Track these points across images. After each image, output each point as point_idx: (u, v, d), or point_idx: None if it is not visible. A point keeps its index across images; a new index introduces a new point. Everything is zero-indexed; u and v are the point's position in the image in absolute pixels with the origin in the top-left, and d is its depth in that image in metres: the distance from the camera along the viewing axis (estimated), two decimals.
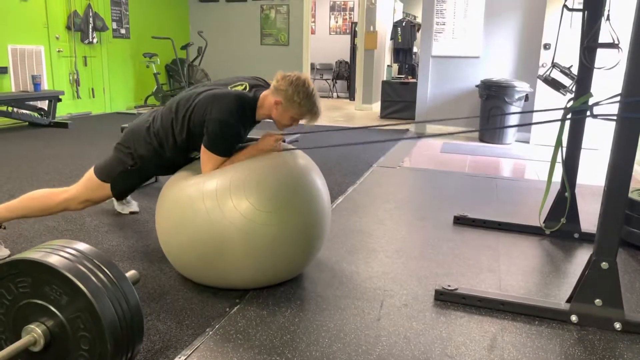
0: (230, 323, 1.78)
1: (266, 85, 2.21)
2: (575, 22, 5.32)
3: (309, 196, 1.99)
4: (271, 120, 2.17)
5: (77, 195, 2.24)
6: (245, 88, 2.14)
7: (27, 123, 6.04)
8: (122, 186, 2.27)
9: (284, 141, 2.16)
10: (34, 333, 1.29)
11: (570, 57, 3.01)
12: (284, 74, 2.06)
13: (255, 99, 2.10)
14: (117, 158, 2.23)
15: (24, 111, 5.93)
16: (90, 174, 2.26)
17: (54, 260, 1.29)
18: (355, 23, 10.04)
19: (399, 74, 9.32)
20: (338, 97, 11.44)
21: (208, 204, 1.87)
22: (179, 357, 1.58)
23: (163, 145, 2.16)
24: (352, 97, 10.51)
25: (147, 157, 2.19)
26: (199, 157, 2.11)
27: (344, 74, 11.26)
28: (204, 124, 2.03)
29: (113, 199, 2.95)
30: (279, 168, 1.98)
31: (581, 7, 2.50)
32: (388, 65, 9.35)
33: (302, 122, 2.16)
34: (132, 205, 2.97)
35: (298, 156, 2.10)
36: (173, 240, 1.97)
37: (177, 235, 1.94)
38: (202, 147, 2.03)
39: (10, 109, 5.74)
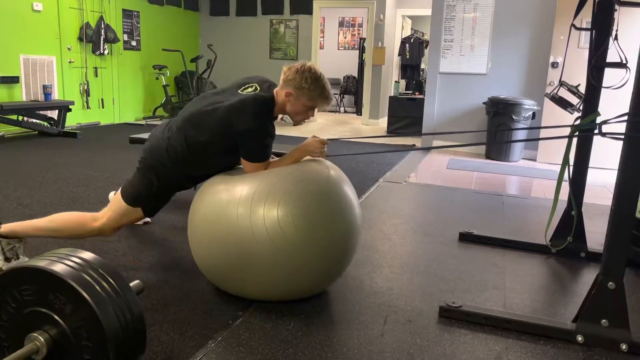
0: (233, 335, 1.78)
1: (274, 84, 2.22)
2: (583, 41, 5.34)
3: (342, 211, 1.96)
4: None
5: (111, 223, 2.20)
6: (255, 89, 2.14)
7: (36, 132, 6.10)
8: (154, 206, 2.26)
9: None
10: (37, 341, 1.29)
11: (578, 76, 3.01)
12: (289, 66, 2.09)
13: (271, 95, 2.11)
14: (143, 182, 2.19)
15: (34, 120, 5.99)
16: (119, 200, 2.21)
17: (59, 268, 1.30)
18: (364, 39, 10.11)
19: (406, 90, 9.34)
20: (345, 111, 11.47)
21: (239, 211, 1.86)
22: None
23: (185, 161, 2.14)
24: (359, 112, 10.54)
25: (172, 176, 2.18)
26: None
27: (351, 89, 11.30)
28: (229, 136, 2.03)
29: None
30: (311, 179, 1.96)
31: (589, 26, 2.50)
32: (395, 81, 9.38)
33: (316, 110, 2.17)
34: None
35: (330, 168, 2.08)
36: (202, 244, 1.98)
37: (206, 239, 1.95)
38: (243, 161, 2.05)
39: (20, 117, 5.80)
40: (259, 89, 2.14)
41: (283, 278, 1.89)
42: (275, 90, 2.13)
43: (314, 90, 2.07)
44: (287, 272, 1.88)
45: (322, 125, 8.72)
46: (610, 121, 1.93)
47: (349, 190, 2.05)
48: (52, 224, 2.22)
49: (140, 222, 2.92)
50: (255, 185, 1.91)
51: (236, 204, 1.88)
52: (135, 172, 2.24)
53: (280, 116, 2.28)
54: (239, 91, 2.14)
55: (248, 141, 2.02)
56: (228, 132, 2.03)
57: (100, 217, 2.22)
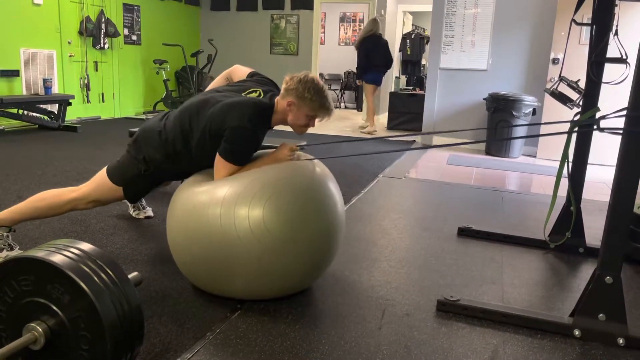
0: (231, 328, 1.78)
1: (278, 91, 2.22)
2: (584, 37, 5.33)
3: (324, 208, 1.94)
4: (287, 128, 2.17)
5: (87, 195, 2.24)
6: (259, 95, 2.15)
7: (37, 126, 6.10)
8: (135, 190, 2.27)
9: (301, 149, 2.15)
10: (35, 331, 1.29)
11: (579, 72, 3.01)
12: (291, 75, 2.09)
13: (272, 105, 2.12)
14: (130, 162, 2.23)
15: (34, 114, 5.99)
16: (102, 175, 2.25)
17: (57, 259, 1.30)
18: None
19: (407, 85, 9.34)
20: (346, 107, 11.47)
21: (220, 211, 1.82)
22: None
23: (176, 152, 2.16)
24: (359, 107, 10.53)
25: (160, 163, 2.19)
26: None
27: (352, 85, 11.30)
28: (220, 133, 2.03)
29: (128, 204, 2.98)
30: (295, 176, 1.95)
31: (590, 21, 2.50)
32: (396, 77, 9.37)
33: (317, 120, 2.16)
34: (148, 210, 2.98)
35: (315, 164, 2.07)
36: (182, 245, 1.95)
37: (186, 241, 1.92)
38: (217, 155, 2.01)
39: (20, 111, 5.80)
40: (262, 95, 2.15)
41: (266, 277, 1.87)
42: (276, 99, 2.13)
43: (315, 102, 2.07)
44: (269, 271, 1.85)
45: (323, 122, 8.70)
46: (609, 116, 1.93)
47: (333, 187, 2.05)
48: (32, 202, 2.25)
49: (141, 216, 2.93)
50: (237, 184, 1.88)
51: (218, 205, 1.84)
52: (125, 154, 2.27)
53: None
54: (242, 94, 2.15)
55: (232, 138, 2.00)
56: (219, 129, 2.03)
57: (79, 189, 2.26)
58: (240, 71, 2.43)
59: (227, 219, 1.81)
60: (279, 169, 1.96)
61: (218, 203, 1.84)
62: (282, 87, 2.11)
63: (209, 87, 2.38)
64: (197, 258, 1.90)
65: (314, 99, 2.06)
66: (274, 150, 2.10)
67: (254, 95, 2.16)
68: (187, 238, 1.91)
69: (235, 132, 2.00)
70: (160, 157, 2.18)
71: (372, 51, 7.01)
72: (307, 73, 2.09)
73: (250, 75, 2.38)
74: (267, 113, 2.11)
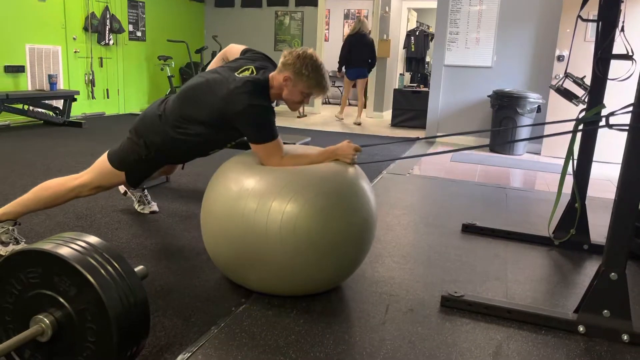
0: (236, 322, 1.79)
1: (273, 66, 2.22)
2: (589, 34, 5.31)
3: (359, 207, 1.92)
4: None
5: (90, 182, 2.25)
6: (252, 72, 2.15)
7: (42, 121, 6.12)
8: (137, 174, 2.28)
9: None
10: (42, 323, 1.30)
11: (584, 69, 3.00)
12: (290, 50, 2.08)
13: (265, 79, 2.11)
14: (131, 147, 2.23)
15: (40, 110, 6.01)
16: (103, 160, 2.26)
17: (64, 251, 1.31)
18: (369, 31, 10.07)
19: (411, 82, 9.32)
20: (349, 104, 11.45)
21: (254, 204, 1.80)
22: (184, 354, 1.58)
23: (176, 136, 2.17)
24: (364, 105, 10.52)
25: (161, 147, 2.20)
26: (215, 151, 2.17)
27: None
28: (223, 120, 2.04)
29: (133, 199, 2.99)
30: (332, 175, 1.92)
31: (596, 18, 2.49)
32: (400, 74, 9.36)
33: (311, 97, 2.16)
34: (153, 205, 2.99)
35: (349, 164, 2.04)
36: (216, 234, 1.93)
37: (220, 230, 1.90)
38: (253, 146, 2.01)
39: (26, 107, 5.81)
40: (255, 72, 2.14)
41: (296, 274, 1.86)
42: (271, 74, 2.13)
43: (312, 79, 2.06)
44: (300, 268, 1.84)
45: (326, 117, 8.71)
46: (616, 113, 1.93)
47: (367, 188, 2.00)
48: (36, 192, 2.26)
49: (146, 211, 2.94)
50: (271, 178, 1.86)
51: (252, 197, 1.82)
52: (125, 139, 2.28)
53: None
54: (235, 74, 2.14)
55: (247, 121, 2.00)
56: (222, 118, 2.04)
57: (81, 176, 2.26)
58: (234, 49, 2.43)
59: (260, 212, 1.80)
60: (322, 168, 1.94)
61: (251, 195, 1.82)
62: (280, 61, 2.10)
63: (208, 68, 2.39)
64: (229, 248, 1.89)
65: (311, 76, 2.06)
66: (337, 145, 2.06)
67: (246, 73, 2.14)
68: (222, 227, 1.89)
69: (246, 114, 2.00)
70: (161, 140, 2.19)
71: (355, 47, 7.53)
72: (305, 49, 2.08)
73: (244, 52, 2.37)
74: (263, 88, 2.09)
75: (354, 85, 7.97)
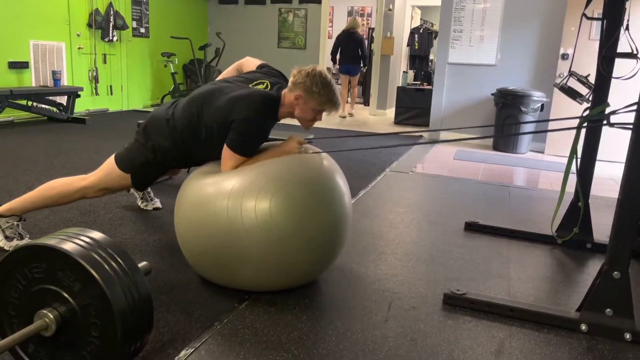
0: (239, 318, 1.79)
1: (286, 84, 2.23)
2: (594, 33, 5.29)
3: (332, 200, 1.94)
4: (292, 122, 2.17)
5: (96, 184, 2.26)
6: (266, 86, 2.16)
7: (45, 117, 6.13)
8: (143, 177, 2.29)
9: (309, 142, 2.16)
10: (46, 318, 1.31)
11: (588, 68, 3.00)
12: (299, 69, 2.09)
13: (279, 97, 2.12)
14: (138, 149, 2.24)
15: (43, 106, 6.02)
16: (111, 163, 2.27)
17: (68, 247, 1.31)
18: (373, 29, 10.06)
19: (414, 80, 9.31)
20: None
21: (227, 203, 1.83)
22: (187, 349, 1.59)
23: (184, 141, 2.18)
24: (366, 102, 10.52)
25: (168, 151, 2.21)
26: None
27: (359, 80, 11.26)
28: (227, 125, 2.04)
29: (136, 196, 3.00)
30: (303, 169, 1.94)
31: (600, 16, 2.48)
32: (404, 72, 9.34)
33: (324, 114, 2.16)
34: (156, 202, 3.00)
35: (322, 157, 2.07)
36: (190, 237, 1.95)
37: (194, 233, 1.92)
38: (225, 146, 2.02)
39: (30, 103, 5.83)
40: (269, 87, 2.15)
41: (272, 269, 1.87)
42: (283, 92, 2.14)
43: (323, 95, 2.07)
44: (276, 263, 1.86)
45: (330, 116, 8.70)
46: (619, 111, 1.92)
47: (340, 180, 2.04)
48: (42, 191, 2.27)
49: (149, 208, 2.95)
50: (245, 176, 1.88)
51: (225, 197, 1.84)
52: (133, 141, 2.28)
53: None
54: (249, 85, 2.16)
55: (239, 129, 2.01)
56: (226, 121, 2.04)
57: (87, 177, 2.28)
58: (250, 63, 2.44)
59: (234, 211, 1.82)
60: (286, 162, 1.96)
61: (226, 195, 1.85)
62: (290, 80, 2.11)
63: (219, 77, 2.39)
64: (204, 250, 1.91)
65: (322, 93, 2.06)
66: (282, 142, 2.10)
67: (261, 87, 2.16)
68: (195, 229, 1.92)
69: (242, 123, 2.01)
70: (168, 145, 2.20)
71: (344, 44, 8.07)
72: (314, 67, 2.09)
73: (260, 66, 2.38)
74: (274, 105, 2.11)
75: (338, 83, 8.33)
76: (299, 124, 2.20)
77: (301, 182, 1.89)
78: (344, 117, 8.31)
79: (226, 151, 2.02)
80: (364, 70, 9.64)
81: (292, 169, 1.92)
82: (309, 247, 1.89)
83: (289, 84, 2.11)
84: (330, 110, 2.14)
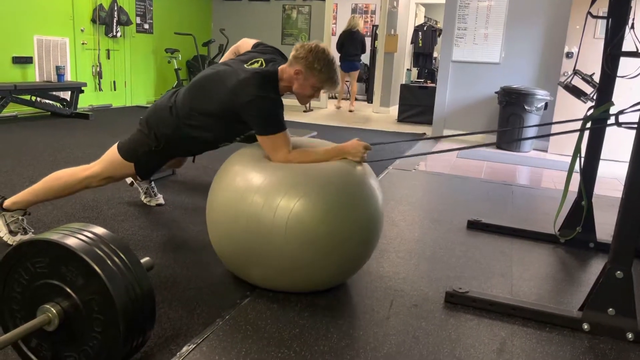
0: (241, 314, 1.80)
1: (283, 59, 2.22)
2: (599, 32, 5.27)
3: (366, 205, 1.90)
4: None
5: (100, 173, 2.26)
6: (261, 64, 2.15)
7: (49, 113, 6.14)
8: (147, 165, 2.29)
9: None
10: (49, 313, 1.32)
11: (593, 66, 2.98)
12: (302, 43, 2.08)
13: (275, 71, 2.11)
14: (141, 138, 2.24)
15: (47, 101, 6.03)
16: (113, 151, 2.27)
17: (71, 242, 1.32)
18: (376, 26, 10.04)
19: (418, 78, 9.29)
20: (356, 99, 11.43)
21: (261, 200, 1.79)
22: (189, 345, 1.59)
23: (187, 129, 2.18)
24: (370, 99, 10.50)
25: (171, 139, 2.21)
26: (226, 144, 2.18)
27: (362, 77, 11.24)
28: (232, 112, 2.04)
29: (140, 191, 3.00)
30: (341, 172, 1.90)
31: (606, 14, 2.47)
32: (407, 69, 9.33)
33: (322, 92, 2.15)
34: (159, 198, 3.00)
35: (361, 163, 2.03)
36: (221, 229, 1.92)
37: (225, 225, 1.89)
38: (259, 137, 2.00)
39: (33, 98, 5.83)
40: (264, 65, 2.14)
41: (301, 271, 1.85)
42: (281, 67, 2.13)
43: (324, 73, 2.06)
44: (304, 265, 1.83)
45: (332, 111, 8.70)
46: (626, 111, 1.92)
47: (375, 185, 1.99)
48: (46, 182, 2.27)
49: (153, 203, 2.95)
50: (278, 175, 1.85)
51: (259, 194, 1.81)
52: (136, 131, 2.29)
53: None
54: (245, 65, 2.15)
55: (254, 112, 1.99)
56: (232, 108, 2.04)
57: (91, 167, 2.27)
58: (246, 43, 2.44)
59: (267, 209, 1.78)
60: (327, 165, 1.92)
61: (258, 191, 1.81)
62: (291, 54, 2.09)
63: (220, 61, 2.40)
64: (234, 242, 1.88)
65: (323, 70, 2.05)
66: (346, 143, 2.03)
67: (256, 65, 2.15)
68: (227, 218, 1.88)
69: (253, 106, 1.99)
70: (171, 132, 2.20)
71: (346, 43, 8.55)
72: (317, 43, 2.08)
73: (255, 45, 2.38)
74: (272, 80, 2.09)
75: (347, 80, 9.09)
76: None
77: (336, 186, 1.85)
78: (339, 107, 8.90)
79: (265, 141, 1.99)
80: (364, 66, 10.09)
81: (330, 173, 1.89)
82: (339, 252, 1.85)
83: (290, 57, 2.09)
84: (330, 88, 2.12)
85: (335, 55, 9.34)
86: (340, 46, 8.58)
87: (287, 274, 1.87)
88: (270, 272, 1.88)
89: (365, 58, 11.16)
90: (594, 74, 2.62)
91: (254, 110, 2.00)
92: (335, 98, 10.56)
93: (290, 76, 2.09)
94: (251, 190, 1.84)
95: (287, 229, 1.77)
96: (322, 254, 1.83)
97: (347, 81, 9.72)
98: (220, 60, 2.44)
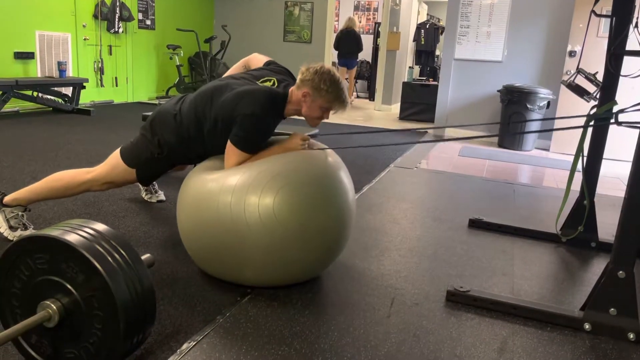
0: (241, 312, 1.79)
1: (293, 81, 2.21)
2: (602, 30, 5.25)
3: (335, 197, 1.92)
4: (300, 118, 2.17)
5: (102, 177, 2.25)
6: (273, 84, 2.15)
7: (51, 108, 6.14)
8: (149, 172, 2.29)
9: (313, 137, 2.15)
10: (49, 309, 1.31)
11: (596, 65, 2.97)
12: (307, 66, 2.07)
13: (285, 94, 2.11)
14: (144, 144, 2.23)
15: (49, 96, 6.03)
16: (116, 157, 2.27)
17: (72, 238, 1.31)
18: (379, 23, 10.02)
19: (420, 76, 9.27)
20: (358, 96, 11.42)
21: (230, 199, 1.82)
22: (189, 342, 1.59)
23: (190, 136, 2.17)
24: (372, 97, 10.49)
25: (174, 146, 2.20)
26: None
27: (365, 74, 11.23)
28: (231, 120, 2.03)
29: (141, 187, 3.00)
30: (306, 166, 1.93)
31: (609, 13, 2.46)
32: (409, 67, 9.30)
33: (331, 113, 2.15)
34: (160, 194, 3.00)
35: (327, 154, 2.05)
36: (192, 232, 1.95)
37: (196, 228, 1.92)
38: (229, 142, 2.01)
39: (35, 93, 5.84)
40: (276, 84, 2.14)
41: (274, 265, 1.87)
42: (290, 90, 2.12)
43: (331, 93, 2.05)
44: (280, 259, 1.85)
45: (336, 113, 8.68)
46: (627, 110, 1.91)
47: (344, 176, 2.02)
48: (48, 182, 2.27)
49: (153, 200, 2.95)
50: (248, 172, 1.87)
51: (229, 193, 1.83)
52: (139, 136, 2.28)
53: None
54: (257, 82, 2.15)
55: (244, 125, 1.99)
56: (231, 116, 2.03)
57: (93, 170, 2.28)
58: (257, 59, 2.43)
59: (237, 207, 1.81)
60: (289, 158, 1.94)
61: (229, 191, 1.84)
62: (298, 77, 2.09)
63: (227, 74, 2.38)
64: (206, 245, 1.91)
65: (330, 90, 2.05)
66: (285, 138, 2.09)
67: (268, 84, 2.15)
68: (197, 225, 1.91)
69: (247, 119, 1.99)
70: (175, 140, 2.19)
71: (343, 41, 9.01)
72: (322, 64, 2.08)
73: (267, 63, 2.37)
74: (280, 102, 2.10)
75: (346, 77, 9.39)
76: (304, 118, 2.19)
77: (305, 178, 1.88)
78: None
79: (229, 147, 2.01)
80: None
81: (295, 166, 1.91)
82: (311, 244, 1.88)
83: (297, 80, 2.09)
84: (338, 108, 2.12)
85: (334, 54, 9.51)
86: (337, 44, 9.06)
87: (264, 268, 1.88)
88: (247, 268, 1.89)
89: (367, 56, 11.18)
90: (597, 72, 2.61)
91: (244, 123, 1.99)
92: None
93: (298, 99, 2.09)
94: (219, 191, 1.86)
95: (259, 224, 1.79)
96: (297, 247, 1.85)
97: (345, 78, 9.79)
98: (228, 72, 2.42)
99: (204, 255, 1.96)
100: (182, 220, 2.02)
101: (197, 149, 2.21)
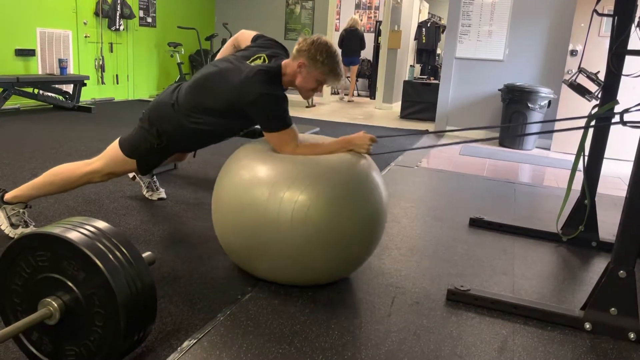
0: (242, 310, 1.80)
1: (284, 52, 2.21)
2: (604, 29, 5.24)
3: (369, 199, 1.90)
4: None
5: (102, 169, 2.25)
6: (263, 60, 2.14)
7: (51, 105, 6.13)
8: (149, 162, 2.29)
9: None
10: (50, 306, 1.31)
11: (598, 64, 2.97)
12: (304, 37, 2.07)
13: (278, 67, 2.10)
14: (143, 135, 2.23)
15: (50, 94, 6.02)
16: (115, 147, 2.26)
17: (73, 236, 1.31)
18: (380, 21, 10.01)
19: (421, 74, 9.26)
20: (359, 95, 11.42)
21: (267, 192, 1.79)
22: (190, 340, 1.59)
23: (188, 125, 2.17)
24: (372, 95, 10.49)
25: (173, 135, 2.20)
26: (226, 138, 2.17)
27: (365, 72, 11.23)
28: (236, 110, 2.03)
29: (142, 185, 3.00)
30: (344, 166, 1.90)
31: (611, 12, 2.45)
32: (411, 66, 9.30)
33: (325, 86, 2.15)
34: (161, 192, 3.00)
35: (362, 156, 2.02)
36: (226, 221, 1.93)
37: (230, 217, 1.90)
38: (267, 134, 2.00)
39: (36, 90, 5.83)
40: (267, 61, 2.14)
41: (305, 264, 1.85)
42: (284, 62, 2.12)
43: (327, 65, 2.04)
44: (309, 258, 1.83)
45: (335, 107, 8.68)
46: (631, 109, 1.91)
47: (379, 179, 1.98)
48: (48, 177, 2.27)
49: (154, 198, 2.95)
50: (283, 167, 1.85)
51: (264, 186, 1.81)
52: (137, 128, 2.27)
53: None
54: (247, 62, 2.14)
55: (260, 109, 1.99)
56: (236, 106, 2.03)
57: (93, 162, 2.27)
58: (245, 36, 2.42)
59: (272, 200, 1.79)
60: (329, 158, 1.92)
61: (267, 184, 1.81)
62: (294, 48, 2.08)
63: (219, 55, 2.38)
64: (237, 232, 1.89)
65: (326, 62, 2.04)
66: (352, 135, 2.03)
67: (258, 61, 2.14)
68: (232, 211, 1.88)
69: (259, 103, 1.99)
70: (173, 129, 2.19)
71: (347, 40, 9.52)
72: (320, 36, 2.07)
73: (255, 38, 2.36)
74: (276, 76, 2.09)
75: (348, 75, 9.85)
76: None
77: (341, 179, 1.85)
78: (342, 98, 10.17)
79: (271, 137, 1.99)
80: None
81: (334, 166, 1.89)
82: (343, 244, 1.86)
83: (293, 51, 2.09)
84: (333, 81, 2.11)
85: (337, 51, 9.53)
86: (341, 43, 9.44)
87: (290, 267, 1.87)
88: (274, 264, 1.88)
89: (368, 54, 11.18)
90: (598, 72, 2.61)
91: (259, 108, 2.00)
92: (337, 94, 10.59)
93: (293, 70, 2.08)
94: (256, 182, 1.84)
95: (292, 222, 1.78)
96: (326, 248, 1.83)
97: (347, 77, 9.80)
98: (219, 54, 2.42)
99: (233, 243, 1.94)
100: (217, 202, 1.98)
101: (196, 137, 2.21)
